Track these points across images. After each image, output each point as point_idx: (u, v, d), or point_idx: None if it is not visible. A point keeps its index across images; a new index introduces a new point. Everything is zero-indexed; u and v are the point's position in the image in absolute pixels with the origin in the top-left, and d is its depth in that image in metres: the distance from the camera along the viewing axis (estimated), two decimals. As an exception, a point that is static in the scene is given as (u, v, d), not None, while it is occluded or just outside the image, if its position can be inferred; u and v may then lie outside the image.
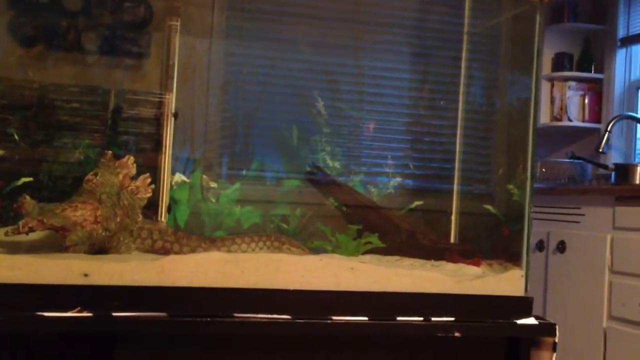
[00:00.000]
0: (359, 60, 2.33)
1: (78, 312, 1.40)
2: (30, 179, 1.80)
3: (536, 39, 1.84)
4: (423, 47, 2.42)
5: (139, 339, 1.50)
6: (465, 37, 2.26)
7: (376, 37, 2.35)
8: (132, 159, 1.66)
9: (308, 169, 2.16)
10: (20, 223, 1.50)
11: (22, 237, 1.55)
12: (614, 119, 3.66)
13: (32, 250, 1.55)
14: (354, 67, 2.33)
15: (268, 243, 1.78)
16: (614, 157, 3.79)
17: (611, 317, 2.86)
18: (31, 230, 1.51)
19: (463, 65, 2.25)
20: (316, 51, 2.27)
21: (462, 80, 2.25)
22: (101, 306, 1.42)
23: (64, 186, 1.83)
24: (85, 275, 1.44)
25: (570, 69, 4.03)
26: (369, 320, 1.57)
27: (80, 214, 1.55)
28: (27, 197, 1.53)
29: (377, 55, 2.36)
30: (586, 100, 3.96)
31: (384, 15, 2.36)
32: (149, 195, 1.66)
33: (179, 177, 1.99)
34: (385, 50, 2.37)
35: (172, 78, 2.04)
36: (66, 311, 1.40)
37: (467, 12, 2.27)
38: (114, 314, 1.43)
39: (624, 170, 3.43)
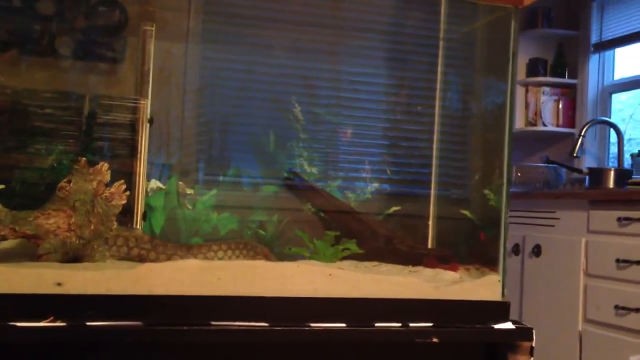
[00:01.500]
0: (335, 65, 2.33)
1: (51, 321, 1.38)
2: (2, 186, 1.77)
3: (511, 44, 1.85)
4: (399, 52, 2.43)
5: (114, 349, 1.48)
6: (441, 43, 2.27)
7: (353, 42, 2.35)
8: (106, 165, 1.64)
9: (285, 174, 2.15)
10: (-8, 231, 1.47)
11: (-6, 246, 1.52)
12: (587, 123, 3.70)
13: (3, 259, 1.52)
14: (330, 72, 2.33)
15: (244, 252, 1.77)
16: (587, 162, 3.83)
17: (586, 320, 2.89)
18: (3, 238, 1.49)
19: (439, 70, 2.26)
20: (293, 56, 2.26)
21: (439, 85, 2.26)
22: (75, 315, 1.40)
23: (37, 193, 1.80)
24: (59, 284, 1.42)
25: (545, 75, 4.07)
26: (347, 326, 1.57)
27: (53, 221, 1.53)
28: (-1, 205, 1.50)
29: (354, 61, 2.36)
30: (560, 105, 4.01)
31: (360, 20, 2.36)
32: (123, 202, 1.64)
33: (155, 183, 1.97)
34: (361, 55, 2.37)
35: (147, 83, 2.02)
36: (39, 321, 1.38)
37: (442, 18, 2.28)
38: (89, 323, 1.40)
39: (598, 175, 3.47)
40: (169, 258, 1.65)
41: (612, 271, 2.75)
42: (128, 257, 1.63)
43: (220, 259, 1.73)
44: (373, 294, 1.62)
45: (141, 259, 1.63)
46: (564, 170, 3.83)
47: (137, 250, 1.64)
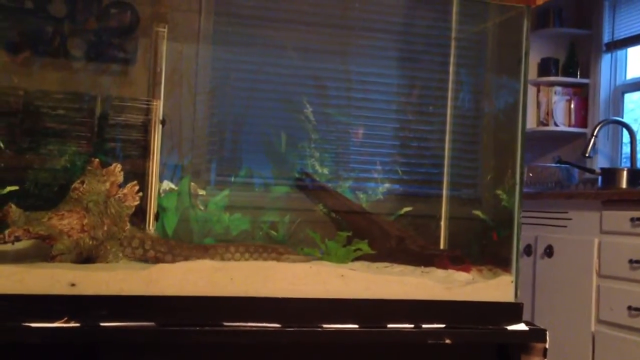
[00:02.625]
0: (347, 65, 2.33)
1: (65, 322, 1.39)
2: (16, 187, 1.78)
3: (524, 43, 1.84)
4: (411, 52, 2.42)
5: (127, 349, 1.48)
6: (453, 43, 2.26)
7: (364, 42, 2.35)
8: (119, 166, 1.64)
9: (297, 175, 2.15)
10: (6, 232, 1.48)
11: (8, 247, 1.53)
12: (600, 123, 3.68)
13: (18, 259, 1.53)
14: (342, 73, 2.33)
15: (265, 254, 1.77)
16: (600, 162, 3.81)
17: (599, 321, 2.87)
18: (17, 239, 1.50)
19: (451, 70, 2.25)
20: (304, 56, 2.26)
21: (450, 85, 2.25)
22: (89, 316, 1.41)
23: (50, 194, 1.81)
24: (72, 284, 1.43)
25: (556, 74, 4.05)
26: (359, 327, 1.56)
27: (66, 222, 1.53)
28: (13, 206, 1.51)
29: (365, 61, 2.36)
30: (572, 105, 3.99)
31: (372, 20, 2.36)
32: (136, 203, 1.65)
33: (167, 184, 1.97)
34: (373, 56, 2.37)
35: (160, 84, 2.03)
36: (53, 321, 1.38)
37: (454, 17, 2.28)
38: (102, 323, 1.41)
39: (611, 175, 3.45)
40: (183, 260, 1.65)
41: (625, 272, 2.74)
42: (144, 259, 1.64)
43: (237, 261, 1.73)
44: (385, 294, 1.62)
45: (157, 261, 1.63)
46: (576, 171, 3.81)
47: (153, 252, 1.64)
